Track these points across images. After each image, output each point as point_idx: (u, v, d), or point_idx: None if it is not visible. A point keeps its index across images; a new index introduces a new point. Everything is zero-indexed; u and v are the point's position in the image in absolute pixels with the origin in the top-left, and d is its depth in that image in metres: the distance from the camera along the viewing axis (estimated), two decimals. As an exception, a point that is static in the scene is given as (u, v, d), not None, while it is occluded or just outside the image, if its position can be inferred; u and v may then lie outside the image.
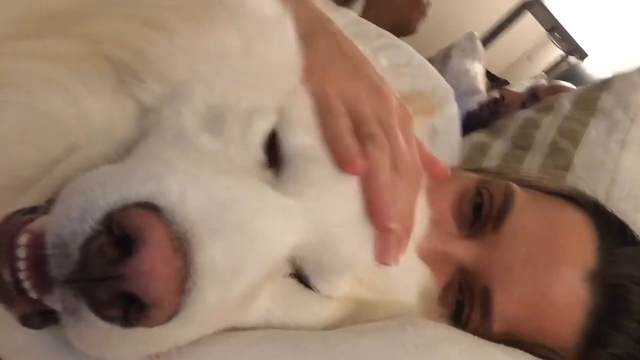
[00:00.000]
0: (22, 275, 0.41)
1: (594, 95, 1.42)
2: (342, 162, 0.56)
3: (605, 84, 1.44)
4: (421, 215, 0.70)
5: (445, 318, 0.72)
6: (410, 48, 1.49)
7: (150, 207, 0.41)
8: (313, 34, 0.65)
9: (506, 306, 0.73)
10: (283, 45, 0.63)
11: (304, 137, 0.58)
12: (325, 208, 0.55)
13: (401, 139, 0.62)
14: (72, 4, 0.60)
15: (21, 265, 0.41)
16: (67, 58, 0.56)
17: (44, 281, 0.42)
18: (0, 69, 0.54)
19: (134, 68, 0.56)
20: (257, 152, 0.56)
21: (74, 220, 0.40)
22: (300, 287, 0.57)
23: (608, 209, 0.90)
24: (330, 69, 0.63)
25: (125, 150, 0.53)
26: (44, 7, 0.59)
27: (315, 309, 0.59)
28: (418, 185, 0.66)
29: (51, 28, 0.58)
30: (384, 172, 0.57)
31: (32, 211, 0.46)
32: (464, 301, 0.76)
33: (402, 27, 2.53)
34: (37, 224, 0.43)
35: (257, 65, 0.60)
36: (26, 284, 0.42)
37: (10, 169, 0.53)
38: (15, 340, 0.49)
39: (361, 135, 0.58)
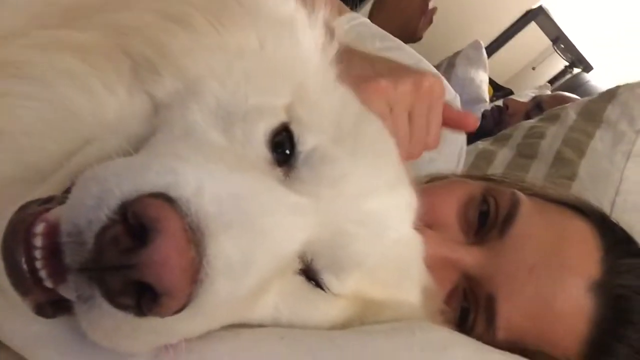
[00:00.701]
0: (38, 264, 0.42)
1: (599, 107, 1.43)
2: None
3: (610, 95, 1.45)
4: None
5: (450, 323, 0.72)
6: (416, 52, 1.50)
7: (166, 198, 0.41)
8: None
9: (510, 314, 0.74)
10: (294, 45, 0.64)
11: (318, 137, 0.59)
12: (339, 206, 0.56)
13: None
14: None
15: (37, 254, 0.42)
16: (87, 51, 0.57)
17: (58, 270, 0.42)
18: (22, 59, 0.54)
19: (154, 61, 0.57)
20: (262, 149, 0.57)
21: (90, 208, 0.41)
22: (309, 286, 0.58)
23: (613, 220, 0.91)
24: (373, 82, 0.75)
25: (137, 145, 0.54)
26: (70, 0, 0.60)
27: (322, 308, 0.59)
28: None
29: (75, 19, 0.59)
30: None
31: (48, 201, 0.46)
32: (469, 307, 0.76)
33: (409, 33, 2.54)
34: (54, 213, 0.43)
35: (267, 64, 0.61)
36: (42, 273, 0.42)
37: (26, 161, 0.54)
38: (29, 330, 0.49)
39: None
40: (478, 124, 0.87)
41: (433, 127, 0.81)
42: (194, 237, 0.41)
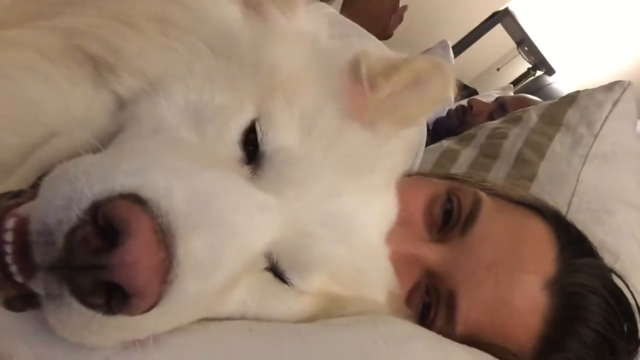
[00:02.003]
0: (8, 259, 0.42)
1: (560, 110, 1.46)
2: None
3: (571, 100, 1.48)
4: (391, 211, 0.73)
5: (411, 318, 0.75)
6: (383, 45, 1.51)
7: (136, 199, 0.42)
8: None
9: (469, 310, 0.76)
10: (254, 47, 0.63)
11: (285, 136, 0.59)
12: (303, 207, 0.57)
13: None
14: None
15: (8, 249, 0.42)
16: (48, 49, 0.56)
17: (28, 265, 0.42)
18: None
19: (110, 62, 0.57)
20: (234, 147, 0.57)
21: (60, 208, 0.41)
22: (275, 282, 0.59)
23: (568, 221, 0.94)
24: None
25: (103, 140, 0.54)
26: None
27: (289, 303, 0.61)
28: None
29: (31, 17, 0.58)
30: None
31: (18, 195, 0.46)
32: (430, 302, 0.79)
33: (379, 30, 2.55)
34: (25, 208, 0.43)
35: (228, 64, 0.61)
36: (12, 268, 0.42)
37: None
38: None
39: None
40: None
41: None
42: (164, 238, 0.42)
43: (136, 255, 0.40)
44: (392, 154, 0.71)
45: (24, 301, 0.45)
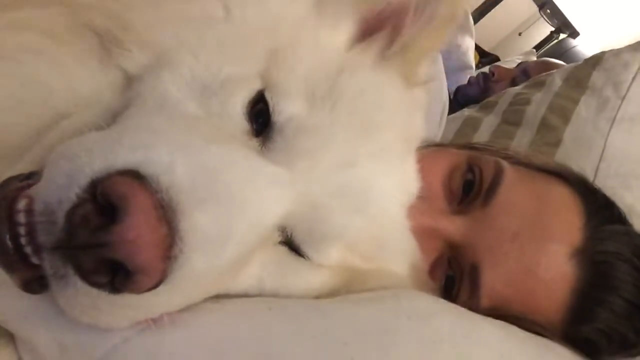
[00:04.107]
0: (23, 241, 0.41)
1: (584, 73, 1.42)
2: None
3: (596, 62, 1.44)
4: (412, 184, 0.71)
5: (435, 292, 0.73)
6: None
7: (135, 175, 0.41)
8: None
9: (494, 282, 0.74)
10: (263, 7, 0.62)
11: (294, 106, 0.57)
12: (315, 178, 0.55)
13: None
14: None
15: (22, 230, 0.41)
16: (52, 28, 0.55)
17: (38, 246, 0.42)
18: None
19: (118, 36, 0.56)
20: (240, 120, 0.56)
21: (60, 187, 0.41)
22: (292, 255, 0.58)
23: (595, 187, 0.91)
24: None
25: (111, 118, 0.53)
26: None
27: (307, 277, 0.60)
28: None
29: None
30: None
31: (29, 177, 0.45)
32: (454, 276, 0.77)
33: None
34: (35, 189, 0.43)
35: (238, 30, 0.59)
36: (27, 249, 0.42)
37: (0, 137, 0.53)
38: (18, 306, 0.49)
39: None
40: None
41: None
42: (166, 214, 0.41)
43: (136, 231, 0.39)
44: (402, 103, 0.68)
45: (42, 283, 0.44)
